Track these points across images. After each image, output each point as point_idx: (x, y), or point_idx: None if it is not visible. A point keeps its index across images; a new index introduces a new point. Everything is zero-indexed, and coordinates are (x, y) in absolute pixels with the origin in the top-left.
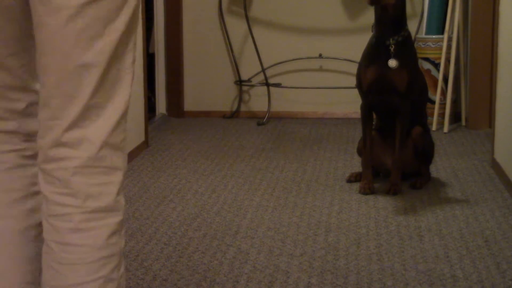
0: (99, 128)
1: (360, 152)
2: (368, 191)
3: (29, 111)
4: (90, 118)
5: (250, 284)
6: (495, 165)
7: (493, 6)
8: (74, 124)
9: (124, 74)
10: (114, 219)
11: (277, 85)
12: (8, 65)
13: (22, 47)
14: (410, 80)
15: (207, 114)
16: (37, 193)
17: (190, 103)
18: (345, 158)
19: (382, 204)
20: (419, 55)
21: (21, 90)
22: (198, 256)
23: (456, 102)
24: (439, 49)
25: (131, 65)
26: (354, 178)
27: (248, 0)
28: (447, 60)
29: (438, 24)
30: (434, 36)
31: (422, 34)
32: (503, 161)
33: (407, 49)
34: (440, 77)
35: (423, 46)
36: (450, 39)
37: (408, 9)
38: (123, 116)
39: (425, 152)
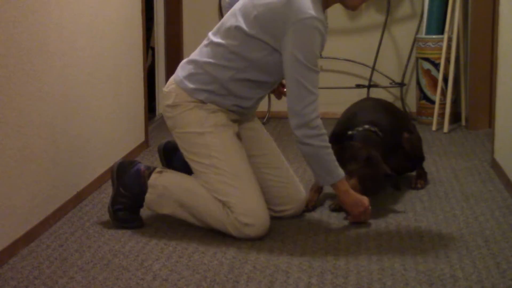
0: None
1: None
2: None
3: None
4: None
5: (250, 284)
6: (495, 165)
7: (493, 6)
8: None
9: None
10: None
11: None
12: None
13: None
14: None
15: None
16: None
17: None
18: None
19: (382, 204)
20: (419, 55)
21: None
22: (198, 256)
23: (456, 102)
24: (439, 49)
25: None
26: None
27: None
28: (447, 60)
29: (438, 24)
30: (434, 36)
31: (422, 34)
32: (503, 161)
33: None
34: (440, 77)
35: (423, 46)
36: (450, 39)
37: (408, 9)
38: None
39: (415, 155)
